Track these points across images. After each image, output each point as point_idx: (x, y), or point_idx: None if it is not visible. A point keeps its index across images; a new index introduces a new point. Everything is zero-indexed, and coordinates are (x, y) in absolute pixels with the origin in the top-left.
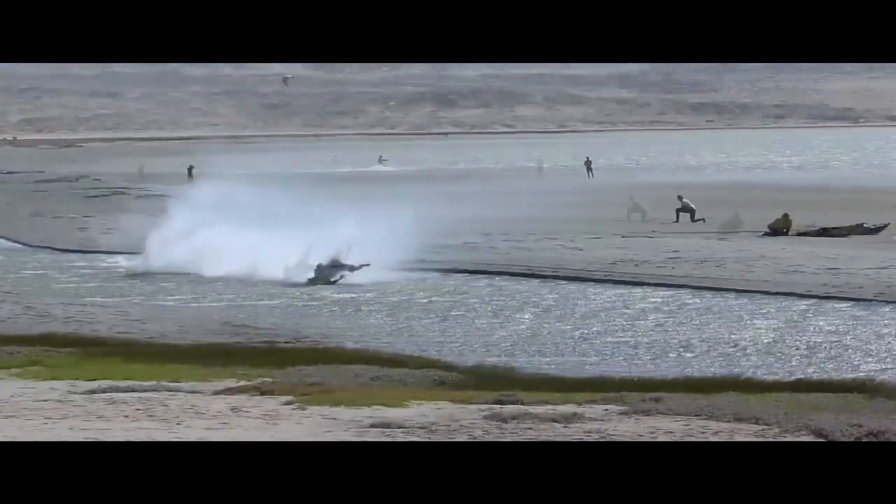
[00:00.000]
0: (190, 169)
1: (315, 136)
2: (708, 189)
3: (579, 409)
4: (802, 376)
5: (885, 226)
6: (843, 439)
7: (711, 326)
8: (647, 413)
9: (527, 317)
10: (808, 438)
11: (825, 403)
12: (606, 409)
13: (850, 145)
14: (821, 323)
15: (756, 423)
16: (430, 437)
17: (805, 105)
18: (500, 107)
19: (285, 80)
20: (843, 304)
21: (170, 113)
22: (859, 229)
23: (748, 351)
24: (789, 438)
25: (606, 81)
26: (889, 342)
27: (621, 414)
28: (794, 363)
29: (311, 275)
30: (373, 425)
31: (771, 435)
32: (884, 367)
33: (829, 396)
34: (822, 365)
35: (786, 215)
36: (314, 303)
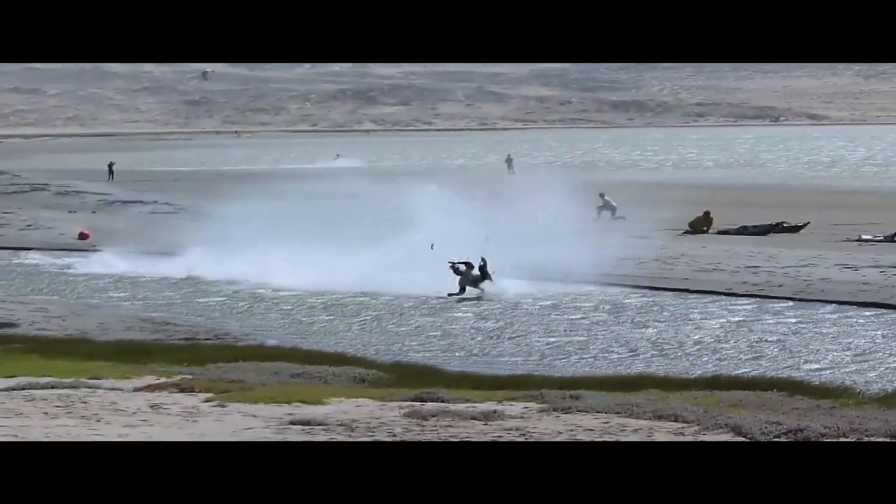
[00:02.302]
0: (110, 165)
1: (236, 132)
2: (629, 187)
3: (499, 407)
4: (721, 373)
5: (805, 224)
6: (762, 437)
7: (630, 324)
8: (566, 411)
9: (453, 315)
10: (728, 436)
11: (744, 401)
12: (526, 407)
13: (772, 144)
14: (740, 320)
15: (675, 420)
16: (350, 435)
17: (726, 104)
18: (422, 104)
19: (205, 74)
20: (763, 303)
21: (90, 110)
22: (779, 228)
23: (667, 348)
24: (708, 436)
25: (527, 79)
26: (808, 340)
27: (541, 412)
28: (713, 360)
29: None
30: (293, 423)
31: (690, 433)
32: (803, 364)
33: (747, 394)
34: (742, 362)
35: (707, 213)
36: (236, 301)
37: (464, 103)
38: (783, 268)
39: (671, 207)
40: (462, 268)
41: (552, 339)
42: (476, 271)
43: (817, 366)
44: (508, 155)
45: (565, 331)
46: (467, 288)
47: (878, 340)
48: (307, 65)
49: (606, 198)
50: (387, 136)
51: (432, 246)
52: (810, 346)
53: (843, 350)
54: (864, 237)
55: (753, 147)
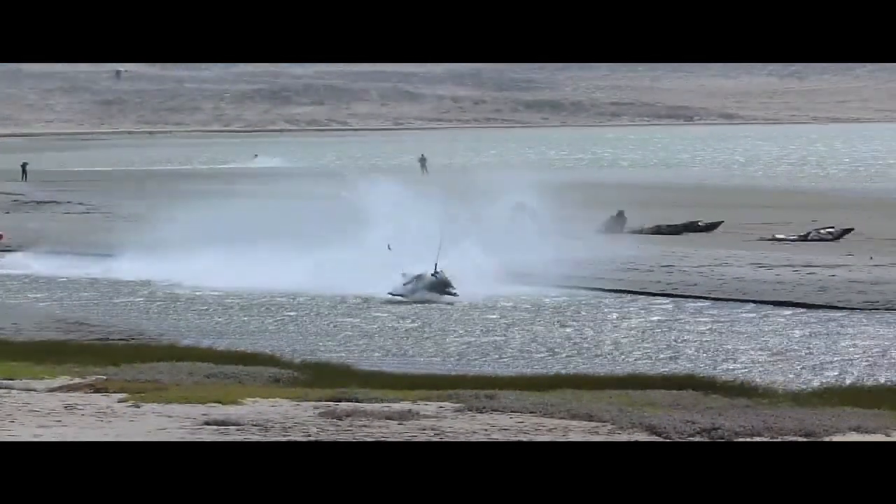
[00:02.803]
0: (24, 166)
1: (149, 132)
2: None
3: (414, 407)
4: (637, 372)
5: (719, 223)
6: (677, 436)
7: (547, 324)
8: (481, 410)
9: (372, 315)
10: (642, 435)
11: (659, 400)
12: (441, 407)
13: (686, 143)
14: (655, 319)
15: (589, 419)
16: (265, 435)
17: (640, 103)
18: (336, 104)
19: (119, 73)
20: (680, 302)
21: (3, 110)
22: (693, 227)
23: (584, 348)
24: (623, 435)
25: (442, 79)
26: (725, 339)
27: (456, 411)
28: (629, 359)
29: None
30: (207, 423)
31: (604, 432)
32: (719, 363)
33: (662, 393)
34: (658, 361)
35: (621, 212)
36: (151, 302)
37: (378, 103)
38: (697, 267)
39: (586, 207)
40: (418, 275)
41: (470, 339)
42: (430, 279)
43: (733, 365)
44: (422, 155)
45: (483, 330)
46: (421, 294)
47: (794, 340)
48: (221, 65)
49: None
50: (301, 136)
51: (389, 246)
52: (727, 346)
53: (760, 349)
54: (778, 236)
55: (668, 146)
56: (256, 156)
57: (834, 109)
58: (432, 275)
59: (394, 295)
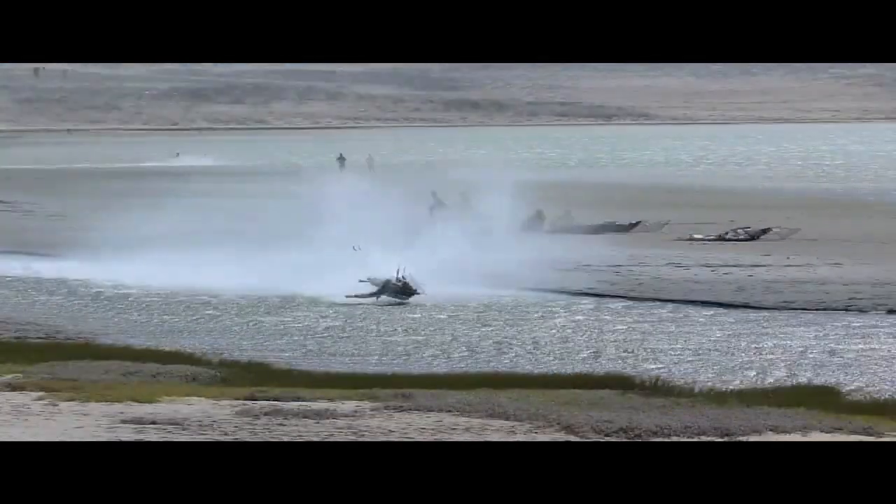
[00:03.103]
0: None
1: (68, 130)
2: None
3: (332, 405)
4: (556, 372)
5: (637, 223)
6: (594, 436)
7: (469, 323)
8: (399, 409)
9: (294, 315)
10: (560, 434)
11: (577, 399)
12: (359, 406)
13: (605, 143)
14: (579, 318)
15: (507, 419)
16: (182, 433)
17: (558, 102)
18: (256, 103)
19: (37, 71)
20: (603, 302)
21: None
22: (610, 227)
23: (504, 347)
24: (540, 435)
25: (361, 78)
26: (639, 338)
27: (373, 410)
28: (549, 359)
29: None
30: (124, 421)
31: (522, 431)
32: (640, 363)
33: (580, 392)
34: (578, 361)
35: (539, 212)
36: (71, 300)
37: (297, 102)
38: (614, 266)
39: (505, 206)
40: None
41: (391, 339)
42: (396, 284)
43: (654, 364)
44: (340, 154)
45: (405, 330)
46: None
47: (714, 339)
48: (142, 63)
49: (438, 196)
50: (222, 135)
51: (355, 247)
52: (646, 345)
53: (681, 349)
54: (696, 236)
55: (587, 146)
56: (178, 154)
57: (755, 109)
58: (397, 280)
59: (354, 296)
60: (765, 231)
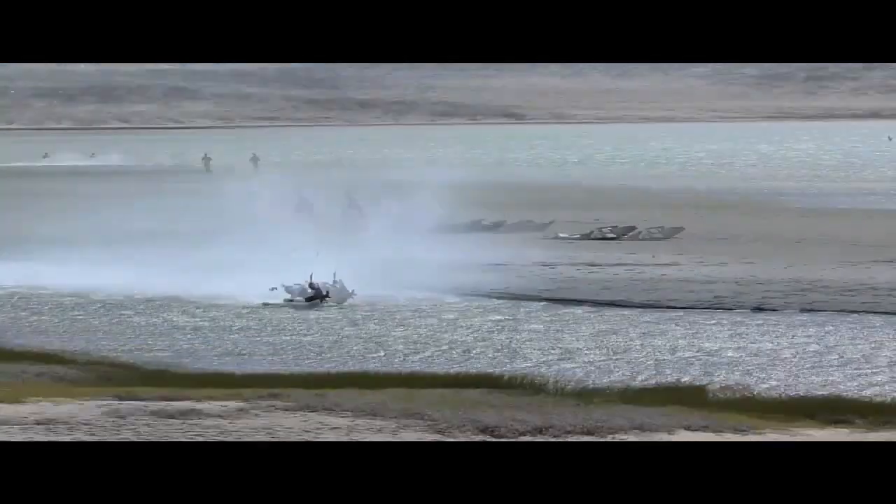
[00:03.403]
0: None
1: None
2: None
3: (198, 405)
4: (469, 372)
5: (502, 223)
6: (509, 435)
7: (381, 323)
8: (266, 409)
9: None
10: (474, 434)
11: (491, 399)
12: (225, 406)
13: (518, 142)
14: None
15: (374, 417)
16: (48, 434)
17: (471, 102)
18: (168, 102)
19: None
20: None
21: None
22: (478, 227)
23: (419, 347)
24: (455, 435)
25: (275, 78)
26: (559, 338)
27: (239, 410)
28: (463, 359)
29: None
30: None
31: (389, 430)
32: (554, 362)
33: (495, 392)
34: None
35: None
36: None
37: (211, 102)
38: (480, 266)
39: (416, 206)
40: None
41: (303, 339)
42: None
43: (569, 364)
44: (253, 154)
45: (304, 330)
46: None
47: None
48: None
49: (353, 197)
50: (134, 134)
51: (317, 253)
52: (560, 346)
53: (549, 348)
54: (561, 235)
55: (501, 145)
56: (46, 155)
57: (665, 109)
58: (334, 283)
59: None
60: (630, 229)
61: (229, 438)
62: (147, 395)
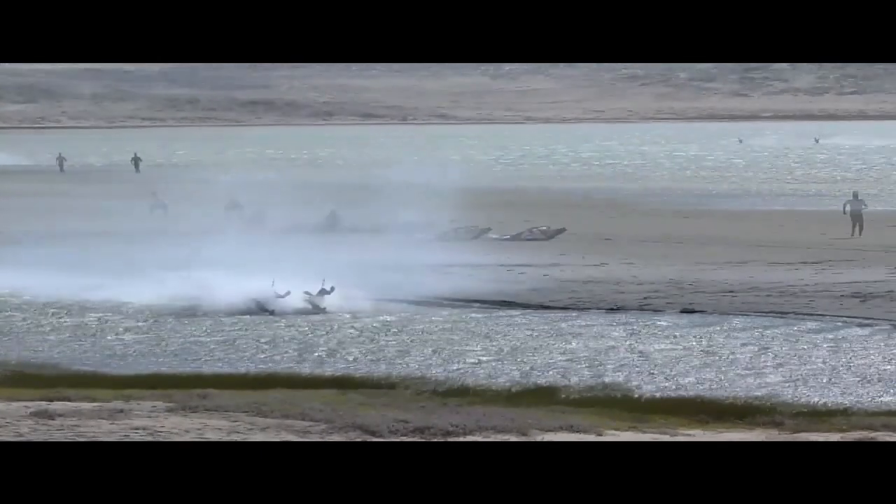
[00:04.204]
0: None
1: None
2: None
3: (127, 406)
4: (352, 373)
5: (429, 223)
6: (390, 436)
7: (268, 323)
8: (195, 410)
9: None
10: (356, 435)
11: (373, 400)
12: (154, 406)
13: (401, 143)
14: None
15: (303, 419)
16: None
17: (354, 102)
18: (49, 102)
19: None
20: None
21: None
22: (405, 227)
23: (303, 347)
24: (336, 435)
25: (156, 78)
26: (451, 339)
27: (169, 411)
28: (347, 359)
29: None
30: None
31: (318, 432)
32: (441, 363)
33: (377, 392)
34: (378, 361)
35: (333, 212)
36: None
37: (91, 101)
38: (392, 266)
39: (303, 207)
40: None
41: (192, 339)
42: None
43: (455, 365)
44: (135, 154)
45: (206, 330)
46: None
47: (514, 339)
48: None
49: (235, 198)
50: (12, 134)
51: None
52: (453, 346)
53: (482, 349)
54: (492, 236)
55: (384, 146)
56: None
57: (548, 109)
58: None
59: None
60: (559, 231)
61: (159, 439)
62: (74, 396)
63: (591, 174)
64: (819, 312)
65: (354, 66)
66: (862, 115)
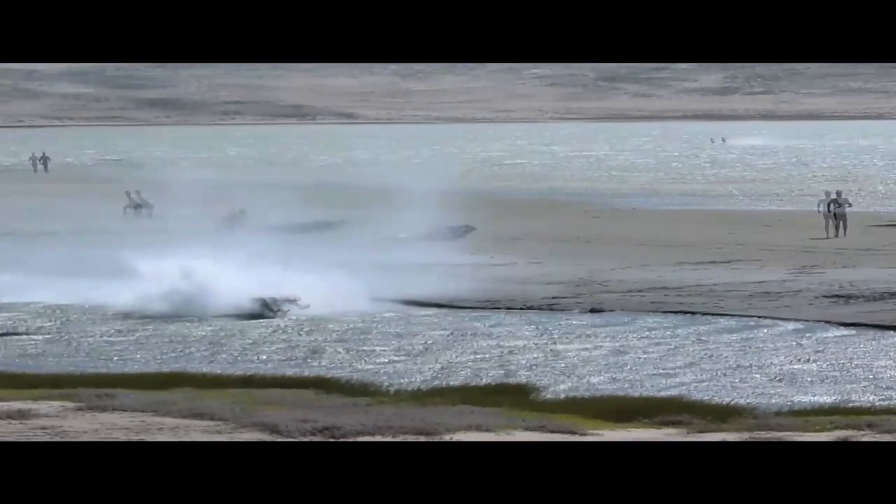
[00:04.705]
0: None
1: None
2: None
3: (34, 406)
4: (258, 372)
5: (342, 223)
6: (297, 435)
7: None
8: (101, 409)
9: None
10: (262, 434)
11: (280, 399)
12: (62, 406)
13: (310, 142)
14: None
15: (210, 419)
16: None
17: (262, 101)
18: None
19: None
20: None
21: None
22: (319, 226)
23: (213, 346)
24: (243, 434)
25: (63, 77)
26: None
27: (76, 410)
28: (256, 359)
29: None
30: None
31: (225, 431)
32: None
33: (284, 392)
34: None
35: (242, 210)
36: None
37: None
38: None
39: (209, 205)
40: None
41: (101, 339)
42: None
43: (364, 365)
44: (42, 153)
45: (119, 331)
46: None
47: (424, 338)
48: None
49: (140, 196)
50: None
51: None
52: (367, 347)
53: (393, 349)
54: (401, 235)
55: (292, 145)
56: None
57: (456, 109)
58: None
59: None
60: (469, 229)
61: (64, 439)
62: None
63: (501, 174)
64: (728, 312)
65: (262, 65)
66: (770, 115)
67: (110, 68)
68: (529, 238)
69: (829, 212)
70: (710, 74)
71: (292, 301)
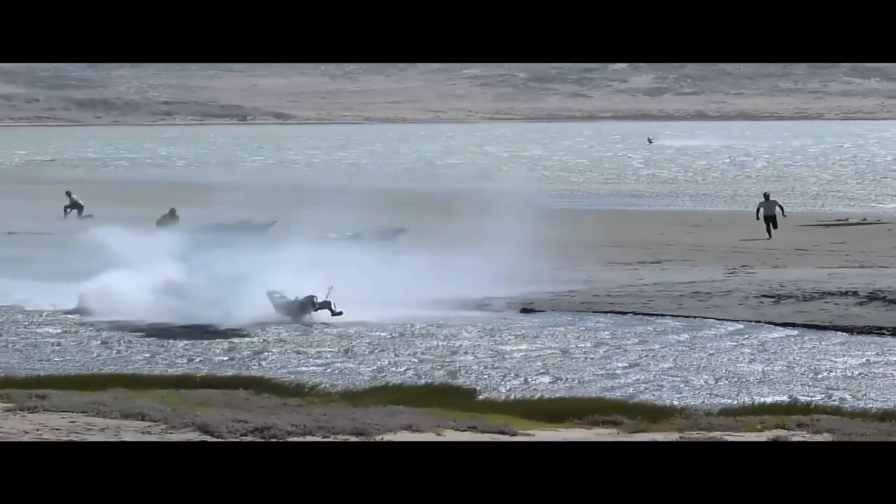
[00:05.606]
0: None
1: None
2: (103, 185)
3: None
4: (189, 373)
5: (273, 223)
6: (230, 436)
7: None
8: (32, 410)
9: None
10: (194, 434)
11: (212, 399)
12: None
13: (242, 142)
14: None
15: (142, 419)
16: None
17: (193, 102)
18: None
19: None
20: None
21: None
22: (249, 225)
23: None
24: (175, 435)
25: None
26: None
27: (7, 411)
28: (182, 361)
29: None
30: None
31: (157, 432)
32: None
33: (216, 392)
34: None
35: (172, 210)
36: None
37: None
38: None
39: (143, 205)
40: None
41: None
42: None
43: (305, 367)
44: None
45: (58, 333)
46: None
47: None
48: None
49: (74, 196)
50: None
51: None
52: (302, 347)
53: (328, 351)
54: (331, 235)
55: (224, 146)
56: None
57: (387, 110)
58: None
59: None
60: (400, 231)
61: None
62: None
63: (433, 174)
64: (659, 312)
65: (193, 66)
66: (700, 116)
67: (41, 68)
68: (462, 239)
69: (758, 217)
70: (641, 75)
71: (327, 304)
